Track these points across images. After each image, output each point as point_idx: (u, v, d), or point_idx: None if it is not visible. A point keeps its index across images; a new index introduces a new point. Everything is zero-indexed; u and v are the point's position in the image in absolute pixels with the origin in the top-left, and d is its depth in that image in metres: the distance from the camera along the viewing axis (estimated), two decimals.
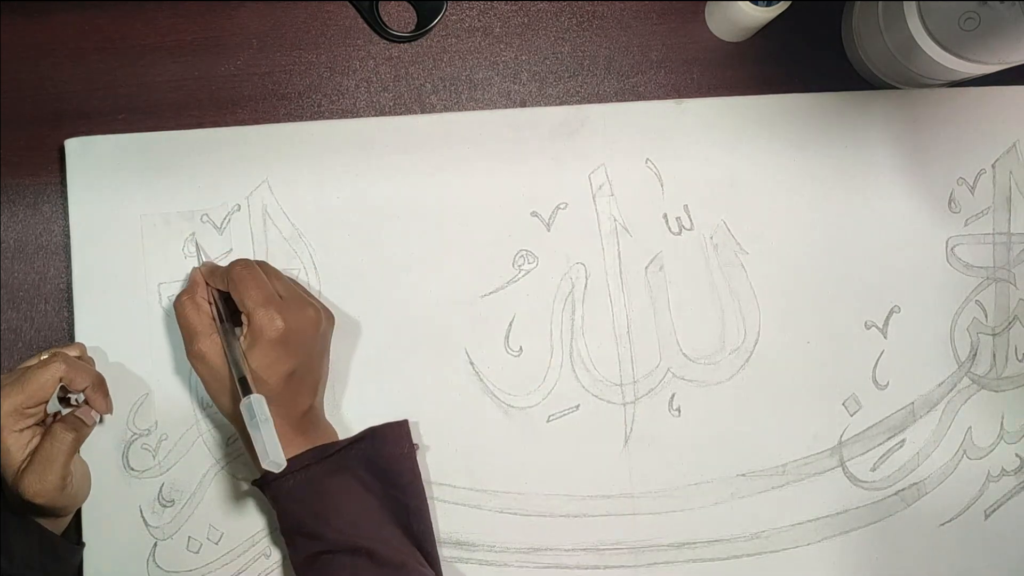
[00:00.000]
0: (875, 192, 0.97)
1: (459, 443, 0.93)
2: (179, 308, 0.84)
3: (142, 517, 0.89)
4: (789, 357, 0.95)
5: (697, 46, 1.00)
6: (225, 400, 0.83)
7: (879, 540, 0.94)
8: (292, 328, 0.81)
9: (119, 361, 0.91)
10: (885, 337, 0.96)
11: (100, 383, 0.85)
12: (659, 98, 0.98)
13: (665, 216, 0.96)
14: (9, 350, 0.93)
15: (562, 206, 0.95)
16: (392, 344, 0.93)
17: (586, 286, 0.94)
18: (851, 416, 0.95)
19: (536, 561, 0.92)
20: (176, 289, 0.91)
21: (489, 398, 0.93)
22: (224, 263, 0.91)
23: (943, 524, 0.95)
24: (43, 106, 0.95)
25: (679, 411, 0.94)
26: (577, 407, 0.93)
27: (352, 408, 0.92)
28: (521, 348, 0.94)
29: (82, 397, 0.84)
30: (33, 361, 0.84)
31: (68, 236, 0.92)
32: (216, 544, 0.89)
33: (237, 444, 0.90)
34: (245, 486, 0.90)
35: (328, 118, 0.97)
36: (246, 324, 0.82)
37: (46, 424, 0.83)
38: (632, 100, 0.98)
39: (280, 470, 0.75)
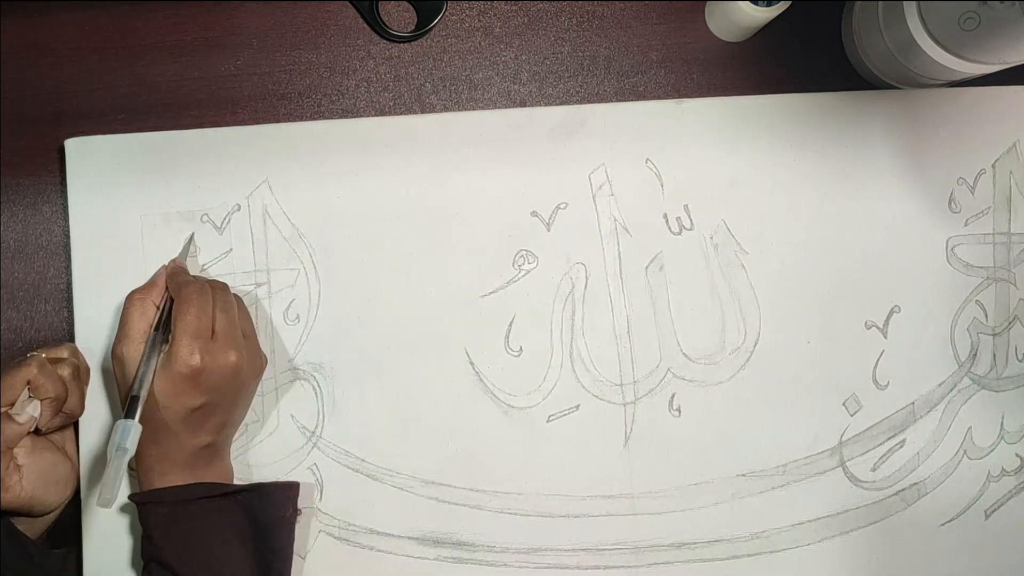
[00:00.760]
0: (875, 192, 0.97)
1: (459, 443, 0.93)
2: (127, 303, 0.84)
3: None
4: (789, 357, 0.95)
5: (697, 46, 1.00)
6: (120, 403, 0.82)
7: (879, 540, 0.94)
8: (208, 368, 0.80)
9: None
10: (885, 337, 0.96)
11: (60, 399, 0.83)
12: (659, 98, 0.98)
13: (665, 216, 0.95)
14: (9, 350, 0.93)
15: (562, 206, 0.95)
16: (392, 344, 0.93)
17: (586, 286, 0.94)
18: (851, 416, 0.95)
19: (536, 561, 0.92)
20: None
21: (489, 398, 0.93)
22: (224, 263, 0.91)
23: (943, 524, 0.95)
24: (43, 106, 0.95)
25: (679, 411, 0.94)
26: (577, 407, 0.93)
27: (352, 408, 0.92)
28: (521, 348, 0.94)
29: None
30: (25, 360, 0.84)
31: (68, 236, 0.92)
32: None
33: (238, 442, 0.90)
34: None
35: (328, 118, 0.97)
36: (169, 346, 0.81)
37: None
38: (632, 100, 0.98)
39: (108, 507, 0.73)
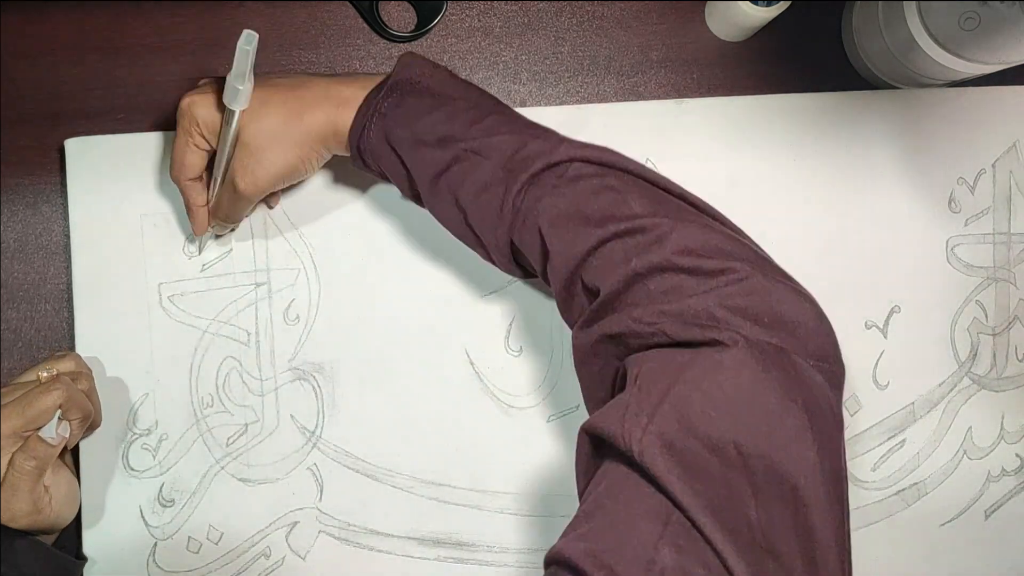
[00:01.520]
0: (875, 192, 0.97)
1: (459, 443, 0.93)
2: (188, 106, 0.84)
3: (142, 517, 0.89)
4: None
5: (697, 46, 1.00)
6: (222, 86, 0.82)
7: (879, 540, 0.94)
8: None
9: (120, 360, 0.91)
10: (885, 337, 0.96)
11: (87, 417, 0.83)
12: (659, 98, 0.98)
13: None
14: (9, 350, 0.93)
15: None
16: (392, 344, 0.93)
17: None
18: (851, 416, 0.95)
19: (536, 561, 0.92)
20: (177, 289, 0.92)
21: (489, 398, 0.93)
22: (225, 261, 0.91)
23: (943, 524, 0.95)
24: (43, 106, 0.95)
25: None
26: (577, 407, 0.93)
27: (352, 408, 0.92)
28: (521, 348, 0.94)
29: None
30: (30, 376, 0.84)
31: (68, 236, 0.92)
32: (216, 544, 0.89)
33: (237, 443, 0.91)
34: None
35: None
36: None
37: None
38: (632, 100, 0.98)
39: (241, 106, 0.77)
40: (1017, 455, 0.96)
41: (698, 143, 0.96)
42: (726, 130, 0.97)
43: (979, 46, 0.86)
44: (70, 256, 0.91)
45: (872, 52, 0.96)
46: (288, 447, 0.91)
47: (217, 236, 0.92)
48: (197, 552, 0.89)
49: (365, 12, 0.97)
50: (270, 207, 0.92)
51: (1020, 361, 0.97)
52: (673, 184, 0.78)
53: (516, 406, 0.93)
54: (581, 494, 0.71)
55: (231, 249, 0.92)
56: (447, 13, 0.98)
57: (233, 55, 0.77)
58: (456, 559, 0.91)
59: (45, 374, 0.83)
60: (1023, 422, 0.97)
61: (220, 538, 0.90)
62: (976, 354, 0.97)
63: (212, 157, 0.86)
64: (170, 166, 0.86)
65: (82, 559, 0.88)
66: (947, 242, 0.97)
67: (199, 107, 0.83)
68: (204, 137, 0.84)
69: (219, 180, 0.85)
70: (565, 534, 0.64)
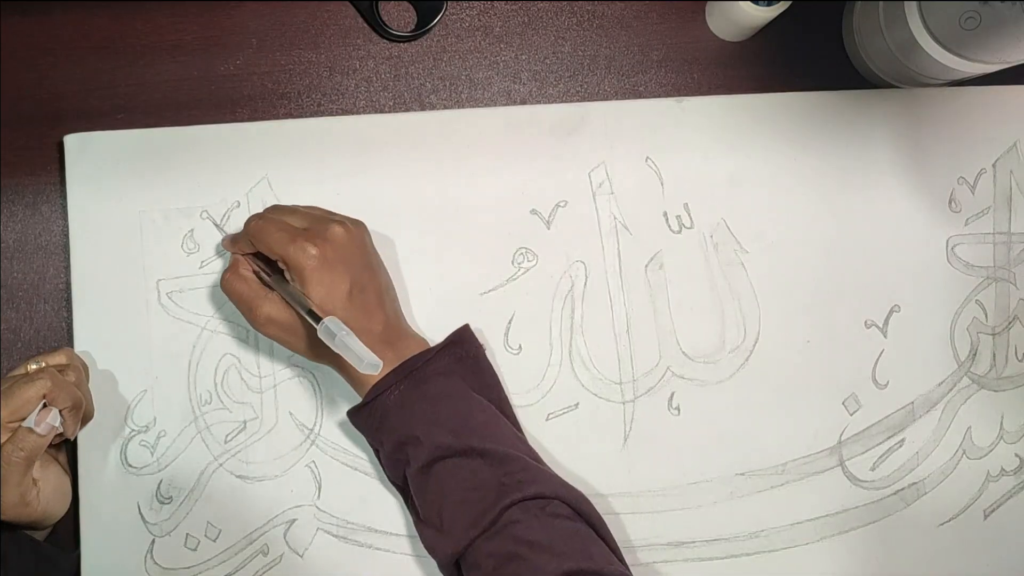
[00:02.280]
0: (875, 191, 0.97)
1: None
2: (227, 287, 0.86)
3: (140, 514, 0.89)
4: (789, 356, 0.95)
5: (697, 46, 1.00)
6: (307, 346, 0.85)
7: (878, 540, 0.94)
8: (327, 251, 0.82)
9: (118, 356, 0.91)
10: (885, 336, 0.96)
11: (78, 406, 0.83)
12: (659, 97, 0.98)
13: (665, 214, 0.96)
14: (8, 350, 0.93)
15: (562, 204, 0.95)
16: None
17: (586, 284, 0.94)
18: (851, 415, 0.95)
19: None
20: (176, 285, 0.91)
21: None
22: (224, 259, 0.91)
23: (942, 524, 0.95)
24: (42, 105, 0.95)
25: (678, 410, 0.94)
26: (576, 405, 0.93)
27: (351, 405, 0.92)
28: (520, 346, 0.93)
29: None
30: (20, 371, 0.84)
31: (67, 236, 0.91)
32: (214, 541, 0.89)
33: (236, 440, 0.90)
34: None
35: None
36: (285, 269, 0.83)
37: None
38: (632, 99, 0.98)
39: (378, 370, 0.76)
40: (1016, 455, 0.96)
41: (698, 142, 0.96)
42: (726, 129, 0.97)
43: (980, 46, 0.86)
44: (69, 255, 0.91)
45: (873, 51, 0.96)
46: (287, 444, 0.91)
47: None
48: (195, 549, 0.89)
49: (365, 12, 0.97)
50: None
51: (1020, 361, 0.97)
52: (619, 550, 0.83)
53: (515, 404, 0.92)
54: None
55: None
56: (447, 13, 0.98)
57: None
58: None
59: (33, 366, 0.84)
60: (1022, 422, 0.97)
61: (218, 535, 0.89)
62: (976, 354, 0.97)
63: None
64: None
65: (75, 552, 0.88)
66: (947, 242, 0.97)
67: (239, 288, 0.86)
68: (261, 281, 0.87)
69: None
70: None
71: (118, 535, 0.89)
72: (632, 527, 0.92)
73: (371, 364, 0.76)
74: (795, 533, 0.93)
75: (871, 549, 0.94)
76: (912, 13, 0.88)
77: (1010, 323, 0.97)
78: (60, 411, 0.81)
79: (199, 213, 0.92)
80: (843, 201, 0.97)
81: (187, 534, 0.89)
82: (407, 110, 0.98)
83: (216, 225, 0.92)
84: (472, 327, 0.89)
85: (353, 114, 0.97)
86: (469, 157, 0.95)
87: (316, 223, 0.84)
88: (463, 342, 0.87)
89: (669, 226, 0.95)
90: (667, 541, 0.92)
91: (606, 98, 0.99)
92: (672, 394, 0.94)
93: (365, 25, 0.98)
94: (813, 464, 0.94)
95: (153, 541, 0.89)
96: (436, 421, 0.82)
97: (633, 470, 0.93)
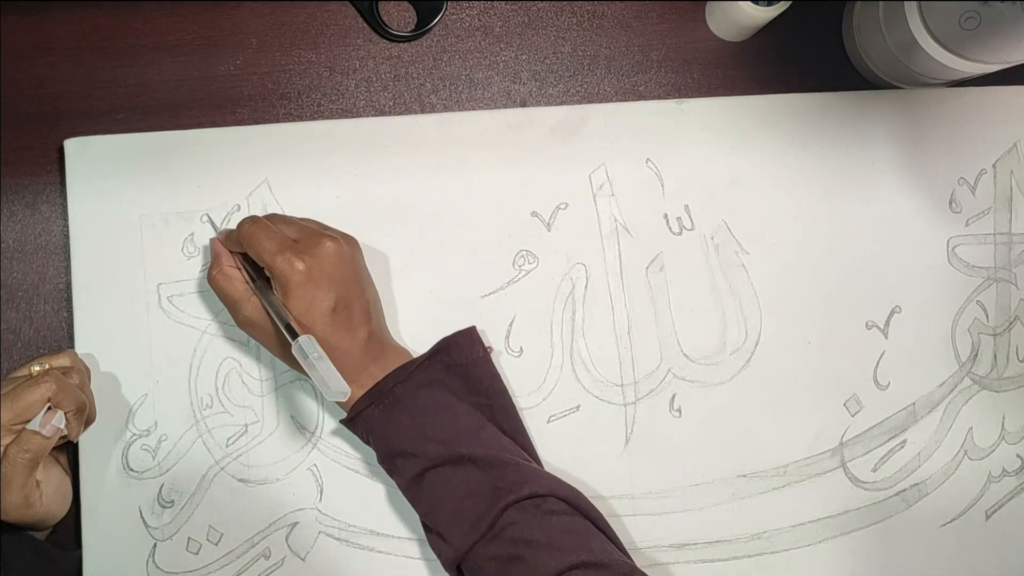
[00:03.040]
0: (876, 192, 0.97)
1: None
2: (212, 283, 0.86)
3: (142, 518, 0.89)
4: (790, 357, 0.95)
5: (697, 46, 1.00)
6: (284, 355, 0.85)
7: (880, 541, 0.94)
8: (313, 265, 0.82)
9: (119, 360, 0.91)
10: (886, 337, 0.96)
11: (82, 409, 0.83)
12: (660, 98, 0.98)
13: (666, 216, 0.95)
14: (8, 350, 0.93)
15: (562, 206, 0.95)
16: None
17: (587, 286, 0.94)
18: (852, 417, 0.95)
19: None
20: (176, 289, 0.91)
21: None
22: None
23: (944, 525, 0.95)
24: (42, 106, 0.95)
25: (680, 412, 0.94)
26: (578, 407, 0.93)
27: None
28: (521, 348, 0.93)
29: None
30: (23, 372, 0.84)
31: (67, 236, 0.91)
32: (216, 545, 0.89)
33: (237, 444, 0.90)
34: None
35: (328, 118, 0.97)
36: (271, 276, 0.83)
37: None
38: (632, 100, 0.98)
39: (345, 398, 0.77)
40: (1018, 456, 0.96)
41: (698, 143, 0.96)
42: (726, 130, 0.97)
43: (980, 46, 0.86)
44: (69, 256, 0.91)
45: (873, 52, 0.96)
46: (288, 448, 0.91)
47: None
48: (197, 553, 0.89)
49: (365, 12, 0.97)
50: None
51: (1021, 361, 0.97)
52: (618, 539, 0.84)
53: (517, 406, 0.92)
54: None
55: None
56: (447, 13, 0.98)
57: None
58: None
59: (37, 368, 0.83)
60: (1023, 423, 0.97)
61: (220, 539, 0.89)
62: (977, 354, 0.97)
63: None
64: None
65: (76, 552, 0.88)
66: (948, 242, 0.97)
67: (225, 285, 0.86)
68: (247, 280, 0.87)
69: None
70: None
71: (120, 539, 0.89)
72: (634, 529, 0.92)
73: (338, 392, 0.75)
74: (797, 535, 0.93)
75: (873, 550, 0.94)
76: (912, 13, 0.88)
77: (1011, 324, 0.97)
78: (64, 413, 0.81)
79: (199, 217, 0.92)
80: (844, 202, 0.97)
81: (189, 538, 0.89)
82: (407, 110, 0.97)
83: (216, 229, 0.92)
84: (478, 329, 0.90)
85: (353, 114, 0.97)
86: (469, 159, 0.94)
87: (308, 237, 0.84)
88: (452, 349, 0.88)
89: (670, 227, 0.95)
90: (669, 543, 0.92)
91: (606, 98, 0.99)
92: (673, 396, 0.94)
93: (365, 25, 0.98)
94: (815, 465, 0.94)
95: (155, 545, 0.89)
96: (422, 434, 0.82)
97: (635, 472, 0.93)
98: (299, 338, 0.77)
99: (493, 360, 0.90)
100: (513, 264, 0.94)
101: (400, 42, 0.98)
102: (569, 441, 0.93)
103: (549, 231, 0.95)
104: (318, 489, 0.91)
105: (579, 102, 0.98)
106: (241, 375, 0.91)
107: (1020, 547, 0.95)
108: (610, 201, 0.95)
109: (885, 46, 0.93)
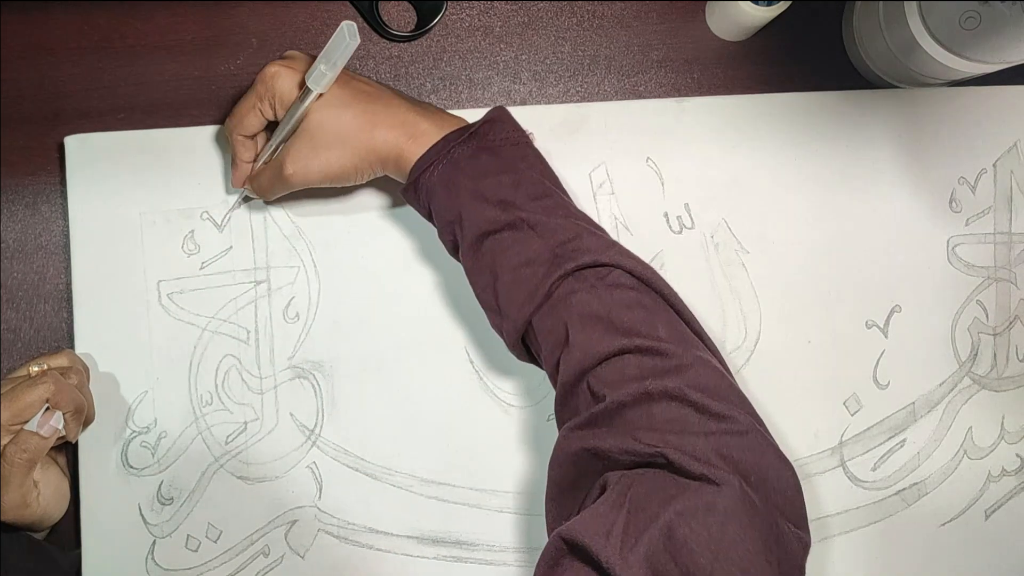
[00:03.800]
0: (876, 191, 0.97)
1: (459, 443, 0.92)
2: (270, 71, 0.84)
3: (141, 515, 0.89)
4: (790, 356, 0.95)
5: (697, 46, 1.00)
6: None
7: (879, 540, 0.94)
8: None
9: (119, 357, 0.91)
10: (886, 336, 0.96)
11: (80, 410, 0.83)
12: (659, 97, 0.98)
13: (666, 215, 0.95)
14: (8, 350, 0.93)
15: None
16: (392, 342, 0.93)
17: None
18: (852, 416, 0.95)
19: (535, 560, 0.91)
20: (176, 287, 0.92)
21: (489, 397, 0.93)
22: (224, 260, 0.92)
23: (943, 524, 0.95)
24: (42, 105, 0.95)
25: None
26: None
27: (352, 406, 0.92)
28: None
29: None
30: (22, 372, 0.84)
31: (67, 236, 0.91)
32: (215, 542, 0.89)
33: (236, 441, 0.90)
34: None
35: None
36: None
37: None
38: (632, 99, 0.98)
39: (354, 39, 0.76)
40: (1017, 455, 0.96)
41: (698, 142, 0.96)
42: (726, 129, 0.97)
43: (980, 45, 0.86)
44: (69, 256, 0.91)
45: (873, 52, 0.96)
46: (287, 445, 0.91)
47: (246, 199, 0.92)
48: (196, 550, 0.89)
49: (365, 12, 0.97)
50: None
51: (1021, 361, 0.97)
52: (696, 321, 0.79)
53: (516, 405, 0.93)
54: None
55: (231, 247, 0.92)
56: (447, 13, 0.98)
57: (328, 41, 0.78)
58: (455, 558, 0.91)
59: (36, 368, 0.84)
60: (1023, 422, 0.97)
61: (219, 536, 0.89)
62: (977, 354, 0.97)
63: (271, 125, 0.87)
64: (228, 118, 0.87)
65: (75, 551, 0.88)
66: (948, 242, 0.97)
67: (282, 79, 0.83)
68: (273, 108, 0.85)
69: (270, 152, 0.86)
70: None
71: (119, 536, 0.89)
72: None
73: (325, 78, 0.77)
74: None
75: (872, 549, 0.94)
76: (912, 13, 0.88)
77: (1011, 323, 0.97)
78: (63, 414, 0.81)
79: (200, 214, 0.92)
80: (844, 201, 0.97)
81: (188, 535, 0.89)
82: None
83: (217, 226, 0.92)
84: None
85: None
86: None
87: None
88: (503, 121, 0.85)
89: (670, 226, 0.95)
90: None
91: (606, 98, 0.99)
92: None
93: (365, 25, 0.98)
94: (814, 464, 0.94)
95: (154, 542, 0.89)
96: (481, 196, 0.80)
97: None
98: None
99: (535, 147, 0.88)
100: None
101: (400, 42, 0.98)
102: None
103: None
104: (317, 487, 0.91)
105: (579, 102, 0.98)
106: (241, 373, 0.91)
107: (1019, 546, 0.95)
108: (610, 200, 0.95)
109: (885, 46, 0.93)
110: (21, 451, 0.79)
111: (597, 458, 0.73)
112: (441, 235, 0.84)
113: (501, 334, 0.81)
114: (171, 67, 0.96)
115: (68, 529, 0.89)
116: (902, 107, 0.98)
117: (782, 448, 0.69)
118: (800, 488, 0.72)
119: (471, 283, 0.82)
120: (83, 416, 0.84)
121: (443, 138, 0.81)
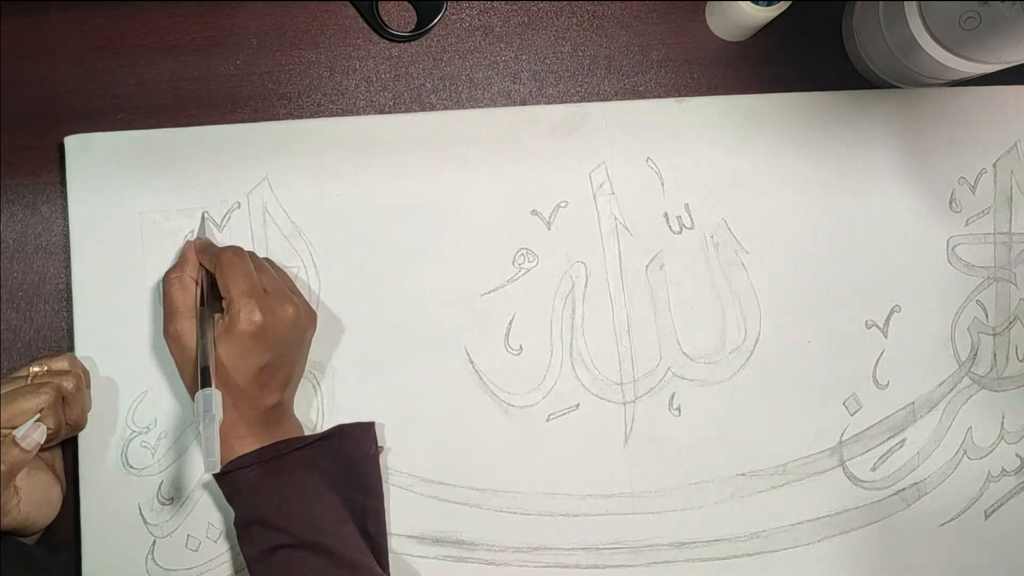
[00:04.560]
0: (876, 191, 0.97)
1: (459, 443, 0.92)
2: (166, 284, 0.85)
3: (141, 515, 0.89)
4: (790, 356, 0.95)
5: (697, 46, 1.00)
6: (188, 384, 0.84)
7: (879, 540, 0.94)
8: (269, 323, 0.81)
9: (119, 357, 0.91)
10: (886, 336, 0.96)
11: (59, 430, 0.82)
12: (659, 97, 0.98)
13: (666, 215, 0.95)
14: (8, 350, 0.93)
15: (562, 204, 0.95)
16: (392, 342, 0.93)
17: (586, 285, 0.94)
18: (851, 416, 0.95)
19: (536, 560, 0.92)
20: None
21: (489, 397, 0.93)
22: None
23: (943, 524, 0.95)
24: (42, 106, 0.95)
25: (679, 410, 0.94)
26: (577, 406, 0.93)
27: (352, 406, 0.92)
28: (521, 347, 0.93)
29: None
30: (22, 373, 0.84)
31: (67, 236, 0.91)
32: (215, 542, 0.89)
33: None
34: (207, 476, 0.89)
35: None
36: (226, 311, 0.82)
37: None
38: (632, 99, 0.98)
39: (214, 470, 0.74)
40: (1017, 455, 0.96)
41: (699, 142, 0.96)
42: (726, 129, 0.97)
43: (980, 46, 0.86)
44: (69, 256, 0.91)
45: (873, 52, 0.96)
46: None
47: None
48: (196, 550, 0.89)
49: (365, 12, 0.97)
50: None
51: (1020, 361, 0.97)
52: None
53: (516, 405, 0.93)
54: None
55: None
56: (447, 13, 0.98)
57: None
58: (455, 558, 0.91)
59: (36, 369, 0.83)
60: (1023, 422, 0.97)
61: (219, 536, 0.89)
62: (976, 354, 0.97)
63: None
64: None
65: (65, 555, 0.88)
66: (948, 242, 0.97)
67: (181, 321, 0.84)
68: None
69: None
70: None
71: (119, 536, 0.89)
72: (633, 528, 0.92)
73: (210, 462, 0.74)
74: (796, 533, 0.93)
75: (872, 549, 0.94)
76: (912, 13, 0.88)
77: (1011, 323, 0.97)
78: (47, 430, 0.81)
79: (200, 214, 0.92)
80: (844, 201, 0.97)
81: (188, 535, 0.89)
82: (407, 110, 0.97)
83: (216, 226, 0.92)
84: (377, 424, 0.90)
85: (353, 114, 0.97)
86: (470, 158, 0.95)
87: (277, 295, 0.84)
88: (345, 438, 0.87)
89: (670, 226, 0.95)
90: (668, 542, 0.92)
91: (606, 98, 0.99)
92: (673, 394, 0.94)
93: (365, 25, 0.98)
94: (814, 464, 0.94)
95: (154, 542, 0.89)
96: (289, 510, 0.81)
97: (634, 471, 0.93)
98: (208, 389, 0.77)
99: (381, 461, 0.90)
100: (513, 262, 0.94)
101: (400, 42, 0.98)
102: (568, 439, 0.93)
103: (549, 229, 0.95)
104: None
105: (579, 102, 0.98)
106: None
107: (1019, 546, 0.95)
108: (610, 200, 0.95)
109: (885, 46, 0.93)
110: (2, 460, 0.78)
111: None
112: (236, 523, 0.84)
113: None
114: (171, 67, 0.96)
115: (67, 529, 0.89)
116: (902, 107, 0.98)
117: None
118: None
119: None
120: (61, 438, 0.84)
121: (268, 446, 0.83)
